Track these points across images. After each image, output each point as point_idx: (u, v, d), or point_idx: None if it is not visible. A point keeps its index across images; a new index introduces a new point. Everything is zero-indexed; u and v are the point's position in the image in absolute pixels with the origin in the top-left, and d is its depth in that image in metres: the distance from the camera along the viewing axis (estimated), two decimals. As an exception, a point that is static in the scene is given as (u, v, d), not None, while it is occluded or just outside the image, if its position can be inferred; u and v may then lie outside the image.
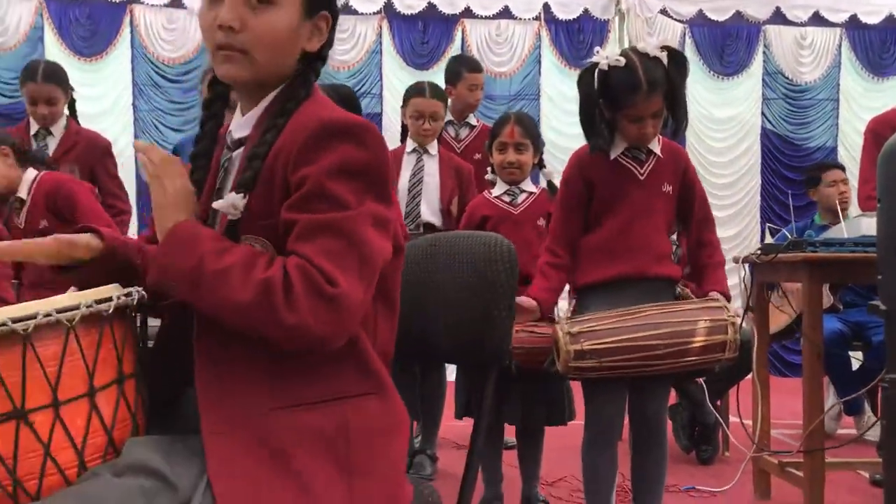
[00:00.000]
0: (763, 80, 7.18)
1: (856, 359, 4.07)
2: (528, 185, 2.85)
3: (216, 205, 1.15)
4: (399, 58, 6.72)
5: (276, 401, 1.10)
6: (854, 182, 4.09)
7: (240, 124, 1.23)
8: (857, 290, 4.05)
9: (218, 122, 1.28)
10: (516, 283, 1.33)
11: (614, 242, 2.25)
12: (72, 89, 3.38)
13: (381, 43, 6.71)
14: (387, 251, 1.14)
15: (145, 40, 6.42)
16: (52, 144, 3.27)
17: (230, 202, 1.12)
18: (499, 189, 2.84)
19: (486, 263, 1.32)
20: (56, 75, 3.33)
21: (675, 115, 2.26)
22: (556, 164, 3.46)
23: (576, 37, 6.91)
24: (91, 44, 6.37)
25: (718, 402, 3.73)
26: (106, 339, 1.06)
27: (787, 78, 7.19)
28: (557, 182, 2.93)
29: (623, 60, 2.17)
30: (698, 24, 7.02)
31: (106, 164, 3.36)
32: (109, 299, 1.06)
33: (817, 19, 7.08)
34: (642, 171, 2.27)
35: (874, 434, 3.73)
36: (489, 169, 2.92)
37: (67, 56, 6.32)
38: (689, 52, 6.85)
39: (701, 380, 3.67)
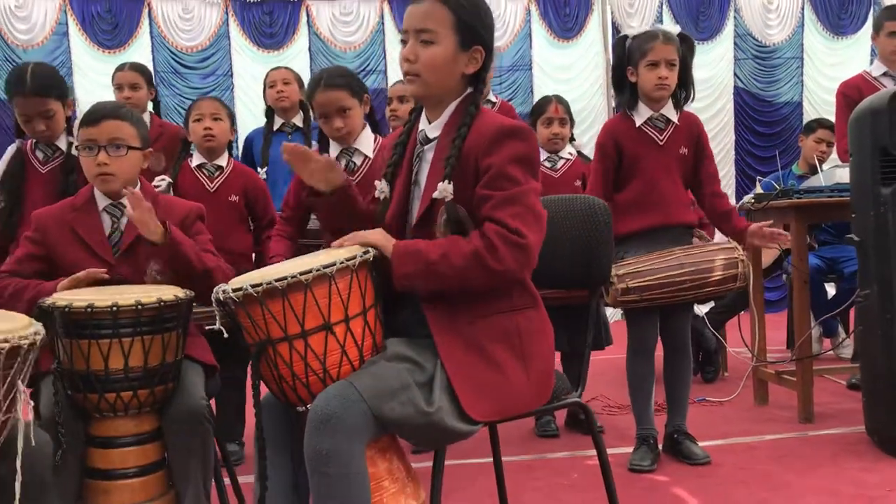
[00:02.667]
0: (734, 42, 7.79)
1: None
2: (564, 153, 3.43)
3: (436, 194, 1.67)
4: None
5: (477, 311, 1.66)
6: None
7: (430, 128, 1.77)
8: (830, 231, 4.68)
9: (414, 124, 1.82)
10: (612, 231, 1.91)
11: (644, 198, 2.83)
12: (155, 89, 3.86)
13: (383, 23, 7.19)
14: (545, 213, 1.69)
15: (164, 30, 6.85)
16: (141, 137, 3.75)
17: (444, 189, 1.66)
18: (541, 156, 3.41)
19: (589, 218, 1.91)
20: (141, 67, 3.86)
21: (685, 86, 2.86)
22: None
23: (562, 10, 7.44)
24: (113, 36, 6.79)
25: (723, 330, 4.35)
26: (369, 279, 1.62)
27: (756, 39, 7.81)
28: (585, 151, 3.54)
29: (646, 29, 2.79)
30: (675, -7, 7.61)
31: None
32: (367, 251, 1.61)
33: (782, -17, 7.71)
34: (662, 138, 2.85)
35: (847, 352, 4.43)
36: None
37: (92, 49, 6.76)
38: (667, 21, 7.43)
39: (702, 314, 4.33)
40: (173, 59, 6.92)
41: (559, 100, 3.43)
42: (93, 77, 6.81)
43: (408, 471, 1.68)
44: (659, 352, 2.86)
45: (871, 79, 3.98)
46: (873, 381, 2.82)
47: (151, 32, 6.88)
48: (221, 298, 1.56)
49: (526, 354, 1.70)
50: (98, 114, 2.05)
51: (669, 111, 2.84)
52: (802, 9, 7.79)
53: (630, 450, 2.89)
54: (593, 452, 2.97)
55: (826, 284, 4.64)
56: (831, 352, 4.58)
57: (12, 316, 1.56)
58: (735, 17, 7.74)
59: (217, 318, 1.60)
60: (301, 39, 7.14)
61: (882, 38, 3.89)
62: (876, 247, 2.74)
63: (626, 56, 2.86)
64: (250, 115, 7.09)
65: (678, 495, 2.51)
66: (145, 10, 6.81)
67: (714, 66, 7.75)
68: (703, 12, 7.60)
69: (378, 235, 1.65)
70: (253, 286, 1.52)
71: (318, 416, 1.48)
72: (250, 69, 7.11)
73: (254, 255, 3.26)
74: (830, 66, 7.81)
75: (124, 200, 2.08)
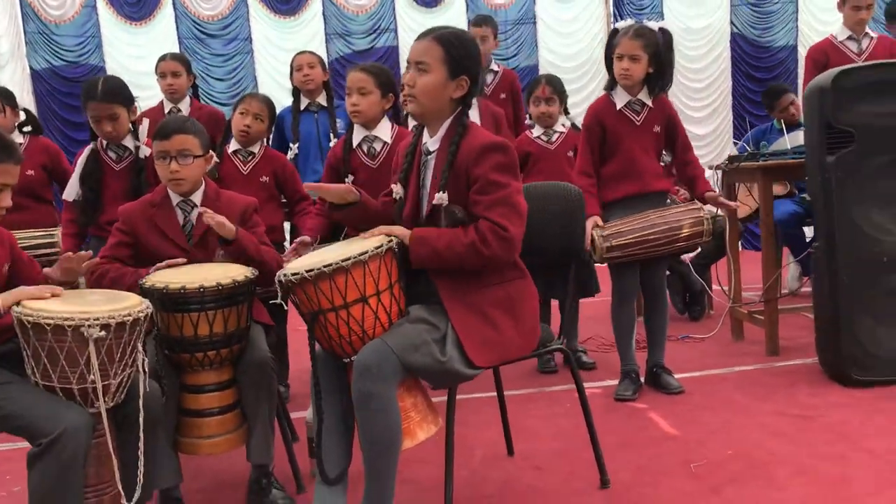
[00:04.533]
0: (731, -11, 8.09)
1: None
2: (558, 127, 3.89)
3: (434, 201, 2.15)
4: (409, -3, 7.59)
5: (478, 283, 2.15)
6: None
7: (431, 142, 2.24)
8: (809, 178, 5.10)
9: (419, 138, 2.29)
10: (585, 213, 2.39)
11: (624, 170, 3.29)
12: (195, 76, 4.31)
13: (392, -14, 7.56)
14: (526, 206, 2.17)
15: (186, 1, 7.24)
16: (183, 119, 4.22)
17: (440, 198, 2.14)
18: (537, 131, 3.91)
19: (566, 202, 2.39)
20: (181, 57, 4.32)
21: (662, 77, 3.27)
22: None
23: (564, -34, 7.74)
24: (138, 9, 7.20)
25: (708, 273, 4.85)
26: (394, 262, 2.11)
27: (752, -14, 8.10)
28: (578, 120, 3.98)
29: (628, 23, 3.20)
30: (673, -57, 7.88)
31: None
32: (391, 240, 2.11)
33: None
34: (639, 119, 3.29)
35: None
36: (528, 115, 3.96)
37: (119, 22, 7.18)
38: (665, -27, 7.74)
39: (688, 260, 4.81)
40: (196, 27, 7.32)
41: (548, 80, 3.86)
42: (121, 48, 7.26)
43: (428, 404, 2.20)
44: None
45: (837, 42, 4.38)
46: (822, 320, 3.31)
47: (174, 3, 7.27)
48: (283, 280, 2.07)
49: (516, 315, 2.20)
50: (168, 129, 2.52)
51: (644, 96, 3.27)
52: (797, -46, 8.04)
53: (618, 382, 3.41)
54: (585, 385, 3.49)
55: (807, 228, 5.09)
56: (810, 289, 5.04)
57: (126, 295, 2.08)
58: (731, -35, 8.01)
59: (279, 293, 2.10)
60: (315, 4, 7.51)
61: (847, 9, 4.27)
62: (823, 206, 3.20)
63: (609, 45, 3.29)
64: (269, 78, 7.54)
65: (652, 419, 3.04)
66: (167, -17, 7.21)
67: (711, 14, 8.05)
68: (701, -40, 7.89)
69: (399, 230, 2.15)
70: (307, 271, 2.02)
71: (361, 366, 1.99)
72: (268, 34, 7.53)
73: (289, 226, 3.75)
74: (824, 10, 8.08)
75: (194, 198, 2.57)
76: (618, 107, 3.29)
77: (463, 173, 2.14)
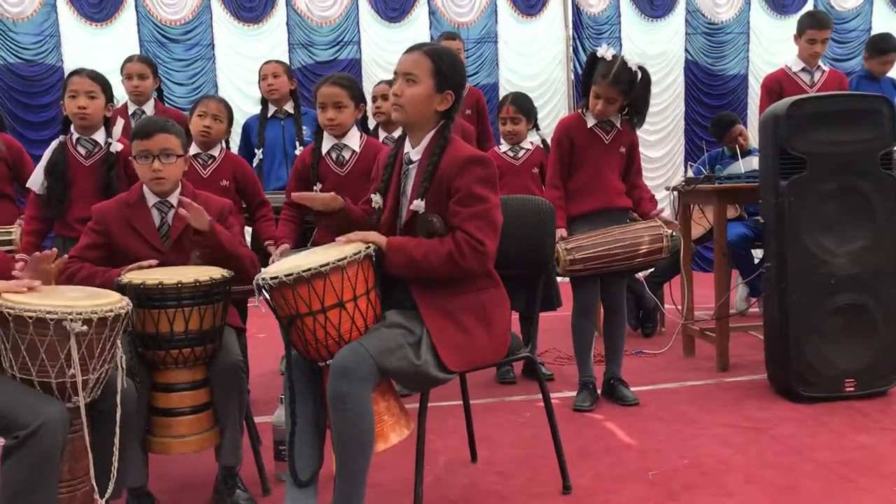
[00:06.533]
0: (686, 19, 8.34)
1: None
2: (526, 144, 4.00)
3: (412, 206, 2.23)
4: (373, 12, 7.65)
5: (453, 291, 2.22)
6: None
7: (413, 152, 2.31)
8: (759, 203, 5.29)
9: (400, 148, 2.35)
10: (555, 227, 2.48)
11: (590, 186, 3.40)
12: (160, 79, 4.31)
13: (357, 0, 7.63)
14: (501, 221, 2.24)
15: (148, 4, 7.20)
16: (148, 122, 4.21)
17: (418, 205, 2.22)
18: (505, 147, 4.01)
19: (538, 216, 2.47)
20: (148, 59, 4.33)
21: (636, 114, 3.39)
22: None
23: (526, -12, 7.91)
24: (100, 9, 7.13)
25: (661, 292, 4.99)
26: (371, 267, 2.16)
27: (706, 17, 8.36)
28: (547, 132, 4.09)
29: (611, 56, 3.28)
30: (631, -27, 8.10)
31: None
32: (368, 247, 2.16)
33: (731, -35, 8.24)
34: (608, 138, 3.40)
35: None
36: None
37: (79, 22, 7.11)
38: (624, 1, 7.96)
39: (642, 278, 4.95)
40: (158, 31, 7.28)
41: (513, 100, 3.97)
42: (81, 49, 7.17)
43: (401, 407, 2.25)
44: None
45: (791, 73, 4.56)
46: (771, 338, 3.45)
47: (136, 6, 7.22)
48: (261, 283, 2.10)
49: (488, 322, 2.27)
50: (150, 129, 2.54)
51: (616, 118, 3.38)
52: (749, -12, 8.34)
53: (575, 393, 3.50)
54: (543, 396, 3.55)
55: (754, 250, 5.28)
56: (757, 309, 5.23)
57: (107, 293, 2.09)
58: (686, -4, 8.28)
59: (256, 296, 2.14)
60: (279, 13, 7.54)
61: (803, 42, 4.46)
62: (775, 228, 3.34)
63: (589, 70, 3.36)
64: (230, 84, 7.53)
65: (609, 429, 3.13)
66: (130, -16, 7.15)
67: (667, 41, 8.29)
68: (657, -10, 8.13)
69: (375, 235, 2.21)
70: (287, 275, 2.05)
71: (338, 368, 2.03)
72: (231, 41, 7.52)
73: (249, 231, 3.75)
74: (774, 42, 8.40)
75: (171, 199, 2.59)
76: (588, 125, 3.39)
77: (444, 183, 2.21)
